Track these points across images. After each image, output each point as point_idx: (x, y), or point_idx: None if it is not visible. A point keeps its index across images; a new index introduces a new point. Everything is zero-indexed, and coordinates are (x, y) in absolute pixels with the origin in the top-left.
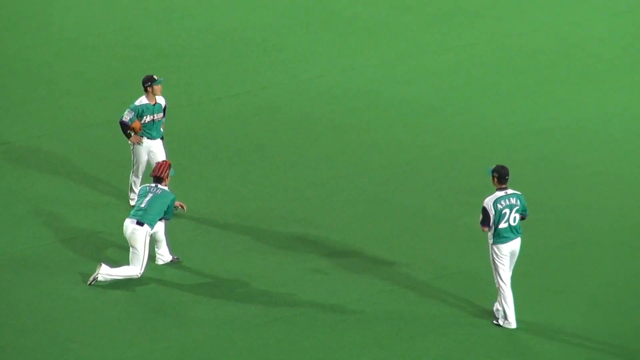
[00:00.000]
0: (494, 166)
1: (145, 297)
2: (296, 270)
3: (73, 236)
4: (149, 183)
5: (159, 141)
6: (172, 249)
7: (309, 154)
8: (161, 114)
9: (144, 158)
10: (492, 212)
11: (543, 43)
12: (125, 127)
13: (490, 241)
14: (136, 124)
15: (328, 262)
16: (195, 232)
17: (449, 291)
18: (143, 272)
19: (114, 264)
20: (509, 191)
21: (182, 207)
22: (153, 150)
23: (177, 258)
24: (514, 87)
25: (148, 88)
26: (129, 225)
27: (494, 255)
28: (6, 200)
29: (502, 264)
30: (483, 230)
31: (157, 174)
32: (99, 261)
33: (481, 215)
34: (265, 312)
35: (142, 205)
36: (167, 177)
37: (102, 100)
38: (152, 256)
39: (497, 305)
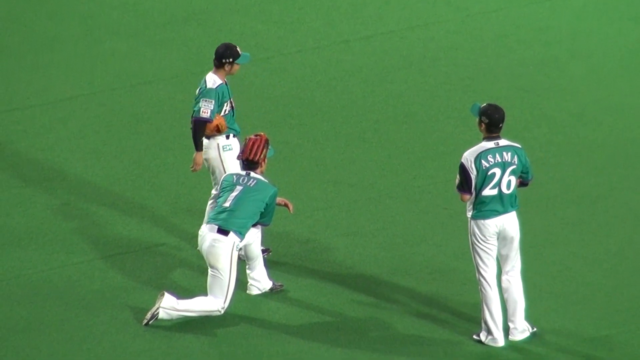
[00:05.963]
0: (484, 104)
1: (232, 346)
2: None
3: (119, 251)
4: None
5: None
6: (272, 271)
7: None
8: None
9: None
10: (472, 172)
11: None
12: (202, 128)
13: (469, 214)
14: (220, 120)
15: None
16: (308, 246)
17: None
18: (228, 307)
19: (183, 293)
20: (502, 142)
21: (287, 206)
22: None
23: (281, 285)
24: None
25: (226, 65)
26: (207, 234)
27: (474, 238)
28: (19, 197)
29: (485, 251)
30: (462, 199)
31: (248, 156)
32: (159, 289)
33: (457, 177)
34: None
35: (227, 205)
36: (263, 161)
37: (165, 44)
38: (242, 282)
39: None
